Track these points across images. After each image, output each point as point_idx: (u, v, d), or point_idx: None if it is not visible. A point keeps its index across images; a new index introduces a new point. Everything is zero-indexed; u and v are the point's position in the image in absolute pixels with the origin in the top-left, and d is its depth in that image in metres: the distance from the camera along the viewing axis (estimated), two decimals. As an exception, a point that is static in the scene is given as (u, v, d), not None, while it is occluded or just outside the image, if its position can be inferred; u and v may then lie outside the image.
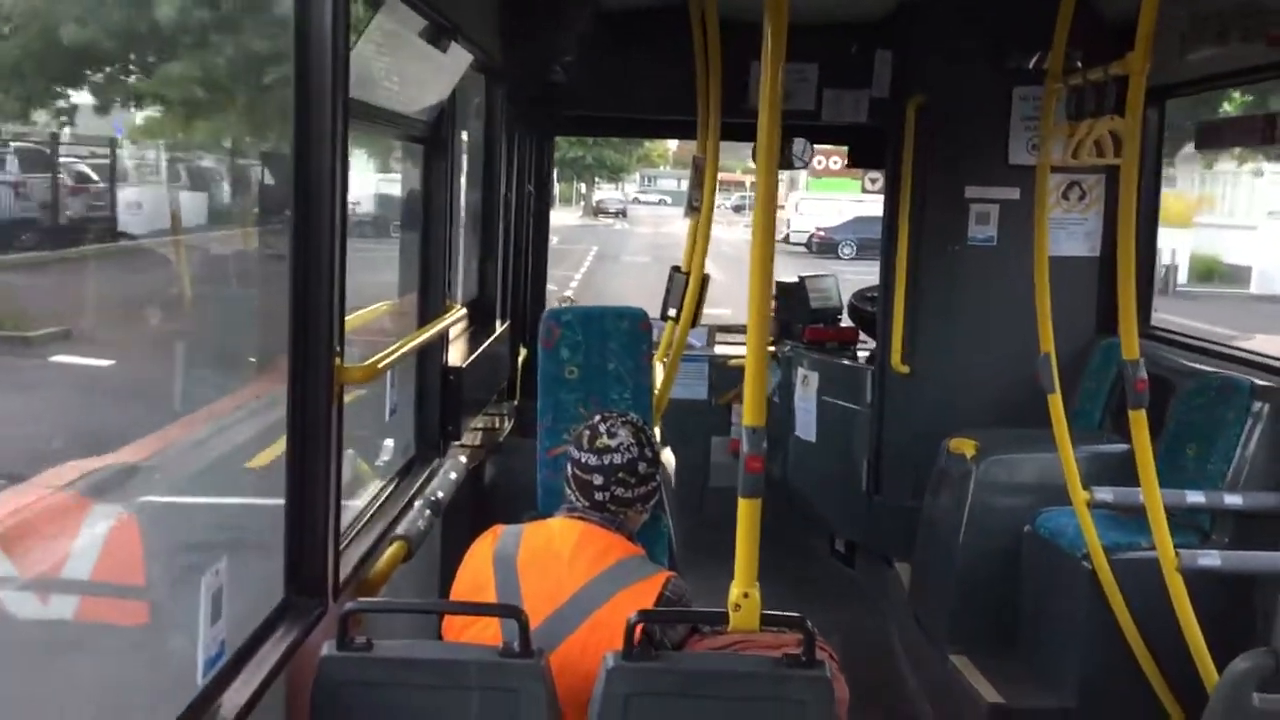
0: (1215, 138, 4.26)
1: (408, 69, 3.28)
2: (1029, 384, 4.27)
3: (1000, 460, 4.57)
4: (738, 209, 57.52)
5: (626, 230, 45.59)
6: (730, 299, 11.06)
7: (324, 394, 2.49)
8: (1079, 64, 3.86)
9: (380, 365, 2.75)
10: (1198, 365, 4.51)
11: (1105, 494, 3.89)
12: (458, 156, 4.15)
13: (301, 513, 2.53)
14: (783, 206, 52.28)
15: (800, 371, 6.20)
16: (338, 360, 2.54)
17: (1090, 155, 3.68)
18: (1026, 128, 5.17)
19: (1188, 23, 4.31)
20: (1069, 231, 5.25)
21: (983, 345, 5.27)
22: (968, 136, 5.29)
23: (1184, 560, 3.39)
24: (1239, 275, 28.10)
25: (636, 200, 62.49)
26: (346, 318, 2.57)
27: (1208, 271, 28.20)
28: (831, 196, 40.57)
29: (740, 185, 61.02)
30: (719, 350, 6.90)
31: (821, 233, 37.68)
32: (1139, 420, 3.41)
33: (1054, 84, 3.90)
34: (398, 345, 3.04)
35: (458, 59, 3.62)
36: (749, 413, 2.37)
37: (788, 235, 37.74)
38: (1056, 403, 4.01)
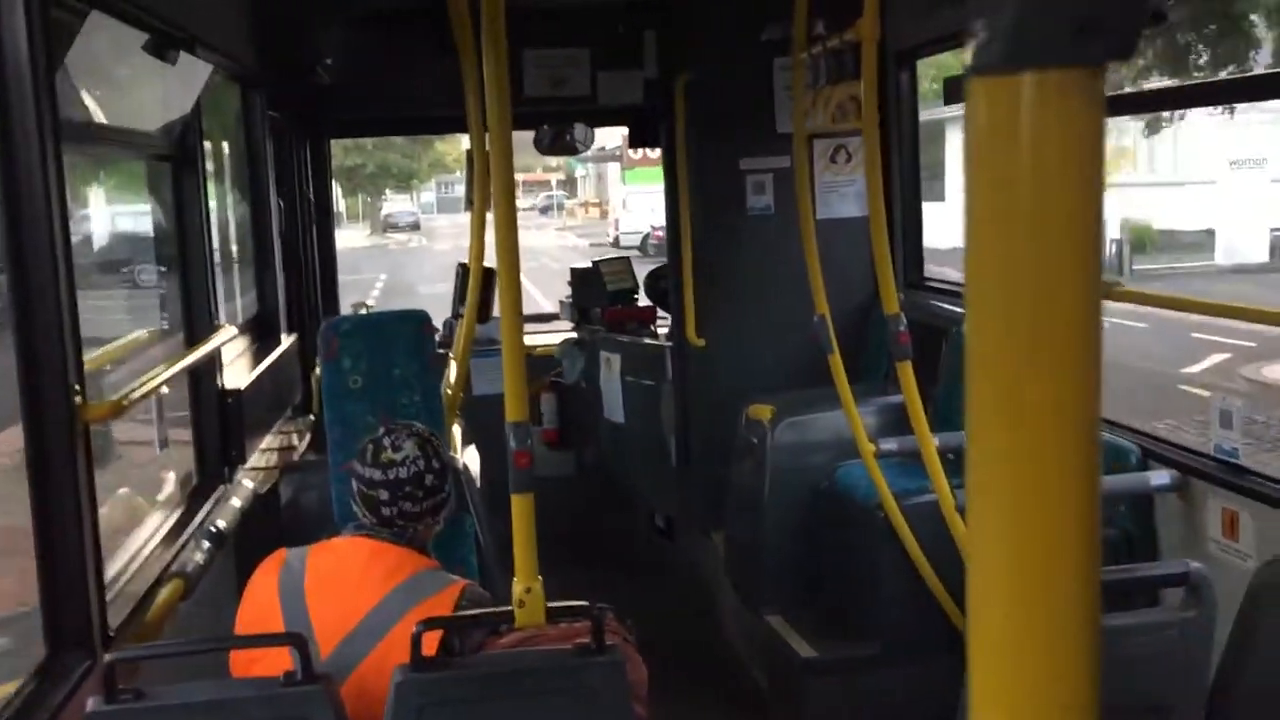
0: (958, 92, 4.45)
1: (138, 82, 3.13)
2: (818, 345, 4.39)
3: (795, 422, 4.69)
4: (544, 210, 53.04)
5: (423, 248, 38.38)
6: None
7: (64, 435, 2.36)
8: (825, 32, 3.97)
9: (129, 399, 2.61)
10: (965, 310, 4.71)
11: (890, 444, 4.03)
12: (219, 170, 4.00)
13: (55, 562, 2.39)
14: (598, 205, 50.07)
15: (603, 355, 6.24)
16: (77, 399, 2.40)
17: (837, 120, 3.79)
18: (789, 97, 5.30)
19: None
20: (840, 194, 5.41)
21: (772, 312, 5.40)
22: (737, 109, 5.39)
23: (959, 499, 3.54)
24: (1196, 244, 23.31)
25: (437, 209, 54.48)
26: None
27: (1144, 243, 23.15)
28: (658, 188, 36.25)
29: (545, 185, 56.21)
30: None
31: (660, 231, 32.74)
32: (905, 371, 3.55)
33: (799, 54, 4.01)
34: (148, 376, 2.89)
35: (196, 68, 3.47)
36: (510, 408, 2.35)
37: (617, 238, 32.52)
38: (837, 362, 4.13)
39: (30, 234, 2.28)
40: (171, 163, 3.61)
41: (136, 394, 2.70)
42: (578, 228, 45.36)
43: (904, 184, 5.19)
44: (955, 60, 6.32)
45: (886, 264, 3.55)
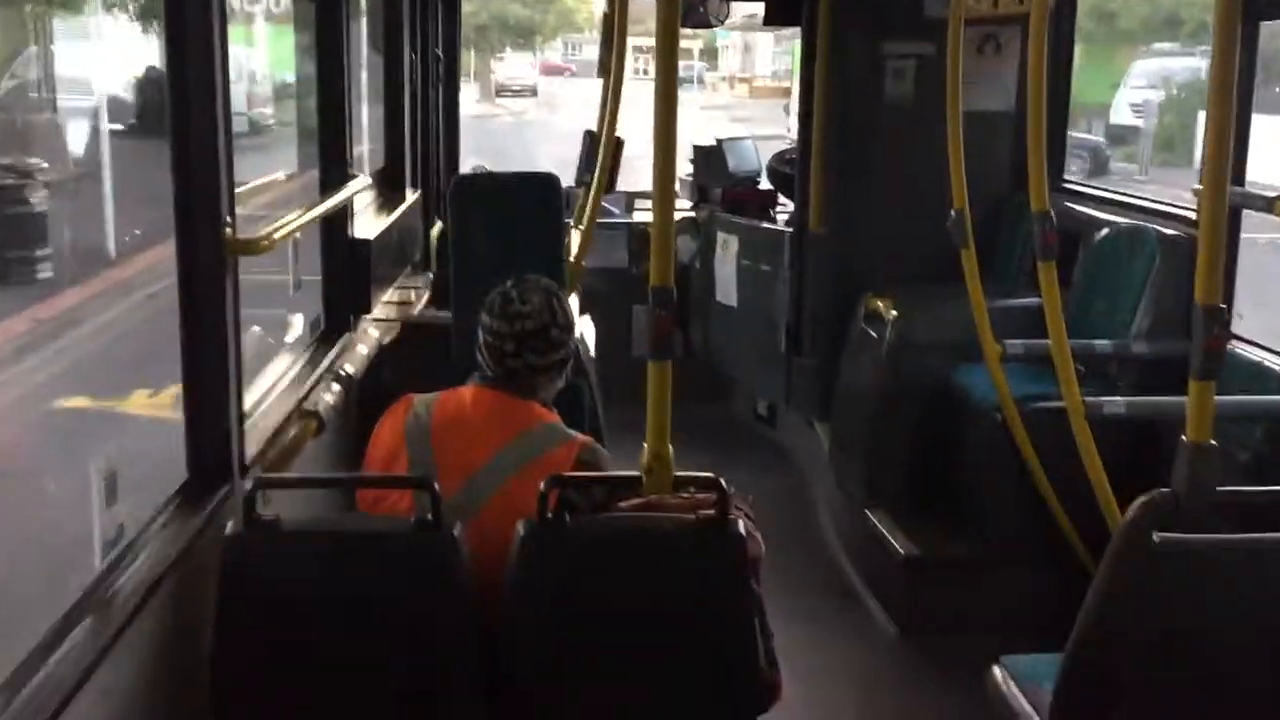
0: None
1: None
2: (947, 241, 4.28)
3: (917, 317, 4.60)
4: (680, 82, 49.81)
5: (540, 122, 31.13)
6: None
7: (214, 266, 2.40)
8: None
9: (274, 237, 2.65)
10: (1107, 216, 4.54)
11: (1017, 347, 3.94)
12: (355, 17, 3.98)
13: (200, 390, 2.45)
14: (747, 80, 42.16)
15: (720, 236, 6.16)
16: (228, 231, 2.43)
17: (1002, 4, 3.61)
18: None
19: None
20: (984, 87, 5.19)
21: (900, 204, 5.25)
22: None
23: (1090, 409, 3.45)
24: None
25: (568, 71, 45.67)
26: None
27: None
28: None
29: (687, 54, 45.56)
30: (638, 217, 6.82)
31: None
32: (1048, 272, 3.43)
33: None
34: (293, 216, 2.92)
35: None
36: (655, 273, 2.32)
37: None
38: (970, 258, 4.02)
39: (193, 67, 2.29)
40: (317, 5, 3.60)
41: (280, 233, 2.73)
42: (728, 107, 35.77)
43: (1057, 78, 4.96)
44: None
45: (1040, 160, 3.41)
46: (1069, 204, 4.79)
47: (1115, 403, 3.66)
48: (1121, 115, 20.66)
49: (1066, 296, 4.20)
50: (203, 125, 2.35)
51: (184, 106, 2.33)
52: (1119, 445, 3.68)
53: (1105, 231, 4.36)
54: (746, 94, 40.70)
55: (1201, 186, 2.90)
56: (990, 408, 4.08)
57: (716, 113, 30.98)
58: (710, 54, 48.25)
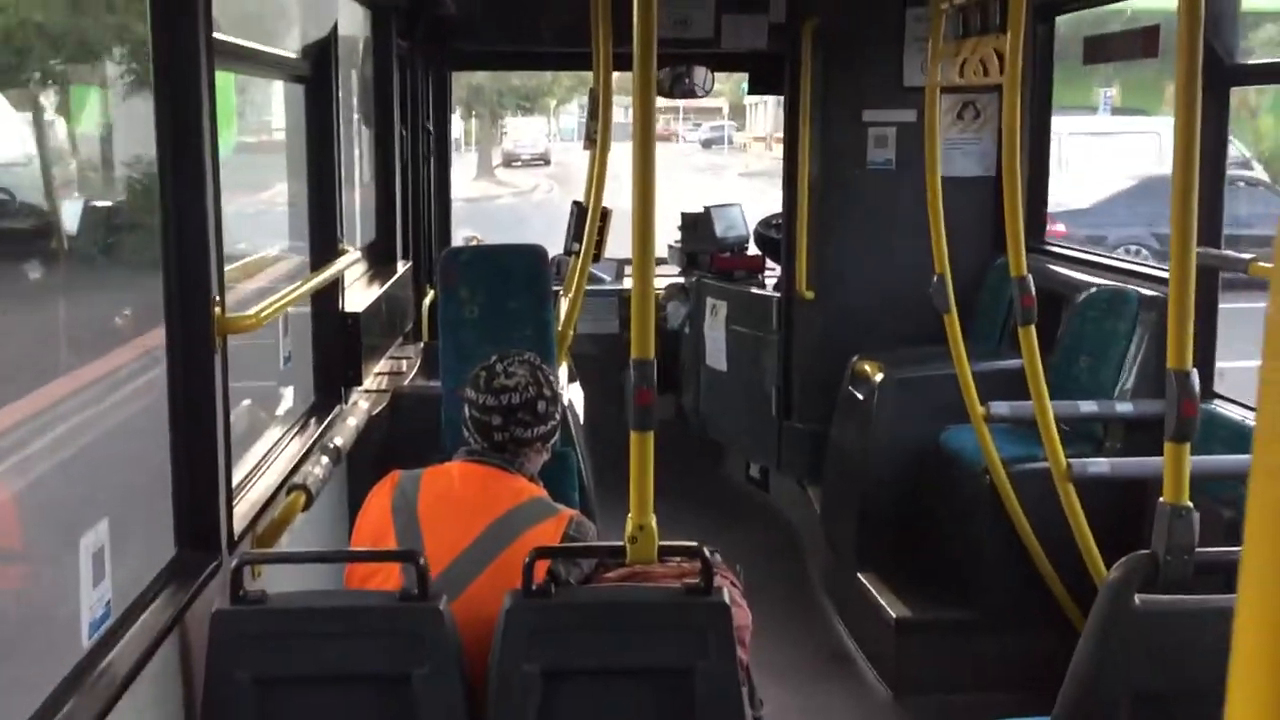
0: (1100, 51, 4.30)
1: (281, 4, 3.18)
2: (931, 304, 4.34)
3: (903, 380, 4.64)
4: (707, 144, 42.43)
5: (550, 204, 23.47)
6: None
7: (204, 344, 2.43)
8: None
9: (264, 314, 2.69)
10: (1088, 278, 4.60)
11: (1002, 408, 3.97)
12: (347, 95, 4.06)
13: (188, 465, 2.48)
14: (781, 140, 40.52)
15: (709, 301, 6.22)
16: (218, 310, 2.47)
17: (977, 74, 3.70)
18: (920, 49, 5.18)
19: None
20: (964, 152, 5.29)
21: (885, 268, 5.33)
22: (864, 59, 5.29)
23: (1075, 469, 3.48)
24: None
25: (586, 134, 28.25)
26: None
27: None
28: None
29: (713, 113, 42.55)
30: (628, 284, 6.88)
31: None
32: (1028, 335, 3.48)
33: (940, 3, 3.91)
34: (284, 293, 2.97)
35: None
36: (636, 345, 2.35)
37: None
38: (953, 322, 4.07)
39: (184, 147, 2.34)
40: (306, 85, 3.67)
41: (269, 310, 2.77)
42: (769, 173, 26.89)
43: (1033, 144, 5.06)
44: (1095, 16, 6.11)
45: (1018, 224, 3.47)
46: (1051, 266, 4.86)
47: (1099, 463, 3.70)
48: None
49: (1051, 357, 4.25)
50: (193, 205, 2.40)
51: (174, 186, 2.39)
52: (1105, 505, 3.71)
53: (1088, 293, 4.42)
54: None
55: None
56: (978, 469, 4.11)
57: (758, 181, 26.27)
58: (738, 111, 44.87)
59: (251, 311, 2.68)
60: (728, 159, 36.35)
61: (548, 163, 36.65)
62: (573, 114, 41.06)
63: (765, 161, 33.17)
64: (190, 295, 2.42)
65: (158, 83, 2.37)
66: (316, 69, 3.66)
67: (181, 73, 2.35)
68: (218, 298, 2.47)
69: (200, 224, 2.41)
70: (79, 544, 2.10)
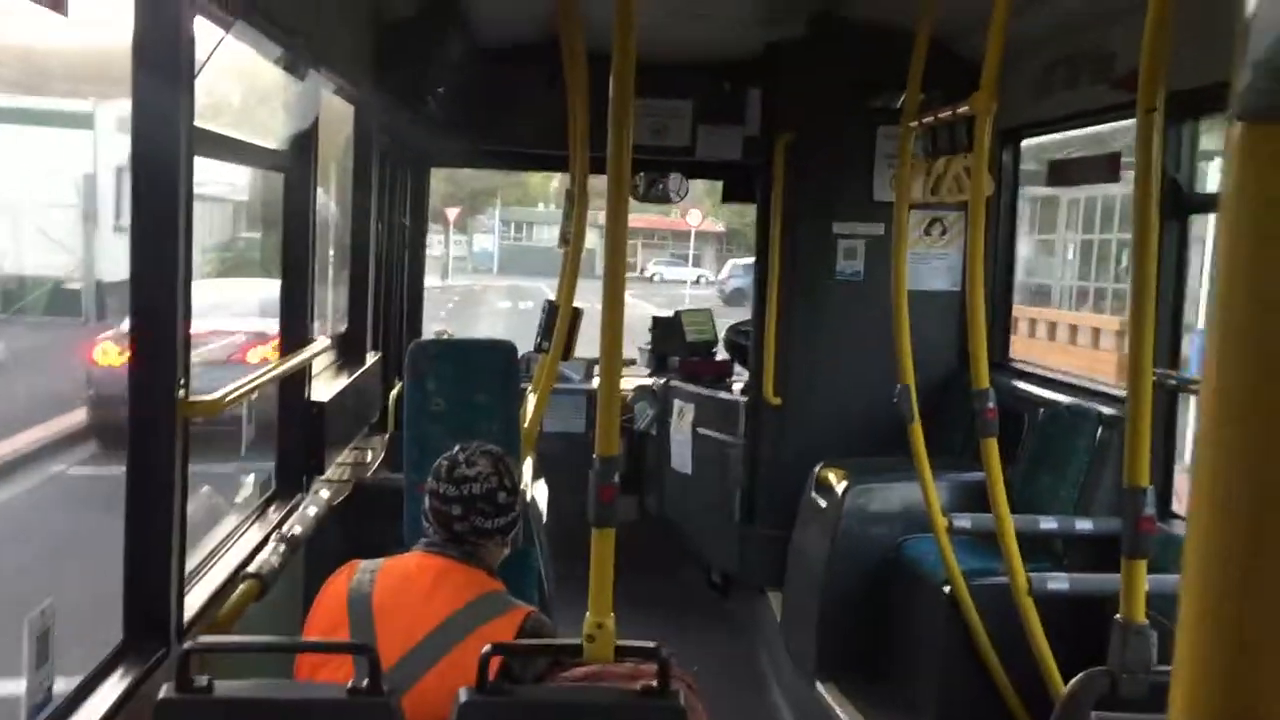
0: (1064, 175, 4.44)
1: (263, 98, 3.23)
2: (897, 414, 4.37)
3: (866, 489, 4.66)
4: (698, 281, 35.81)
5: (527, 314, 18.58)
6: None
7: (166, 427, 2.42)
8: (937, 104, 3.99)
9: (227, 399, 2.68)
10: (1051, 395, 4.66)
11: (964, 520, 3.99)
12: (326, 187, 4.11)
13: (142, 550, 2.44)
14: None
15: (676, 404, 6.25)
16: (181, 393, 2.47)
17: (950, 193, 3.80)
18: (889, 166, 5.31)
19: (1040, 66, 4.49)
20: (931, 266, 5.40)
21: (852, 377, 5.38)
22: (835, 174, 5.42)
23: (1034, 584, 3.48)
24: None
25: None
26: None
27: None
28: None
29: (682, 237, 36.93)
30: (596, 384, 6.91)
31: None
32: (990, 448, 3.51)
33: (909, 123, 4.02)
34: (249, 379, 2.97)
35: (316, 88, 3.58)
36: (601, 442, 2.36)
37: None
38: (917, 433, 4.10)
39: (157, 231, 2.36)
40: (285, 174, 3.72)
41: (234, 395, 2.77)
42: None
43: (998, 262, 5.17)
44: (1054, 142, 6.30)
45: (981, 339, 3.53)
46: (1014, 381, 4.93)
47: (1058, 578, 3.70)
48: None
49: (1012, 471, 4.28)
50: (163, 286, 2.41)
51: (144, 272, 2.40)
52: (1064, 620, 3.71)
53: (1049, 409, 4.48)
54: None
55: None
56: (938, 581, 4.11)
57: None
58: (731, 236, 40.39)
59: (215, 395, 2.67)
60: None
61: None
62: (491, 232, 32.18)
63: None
64: (154, 376, 2.41)
65: (135, 168, 2.40)
66: (296, 159, 3.72)
67: (161, 160, 2.39)
68: (182, 380, 2.47)
69: (169, 306, 2.42)
70: (23, 624, 2.06)
